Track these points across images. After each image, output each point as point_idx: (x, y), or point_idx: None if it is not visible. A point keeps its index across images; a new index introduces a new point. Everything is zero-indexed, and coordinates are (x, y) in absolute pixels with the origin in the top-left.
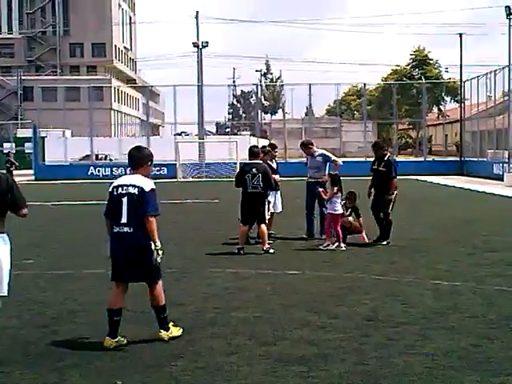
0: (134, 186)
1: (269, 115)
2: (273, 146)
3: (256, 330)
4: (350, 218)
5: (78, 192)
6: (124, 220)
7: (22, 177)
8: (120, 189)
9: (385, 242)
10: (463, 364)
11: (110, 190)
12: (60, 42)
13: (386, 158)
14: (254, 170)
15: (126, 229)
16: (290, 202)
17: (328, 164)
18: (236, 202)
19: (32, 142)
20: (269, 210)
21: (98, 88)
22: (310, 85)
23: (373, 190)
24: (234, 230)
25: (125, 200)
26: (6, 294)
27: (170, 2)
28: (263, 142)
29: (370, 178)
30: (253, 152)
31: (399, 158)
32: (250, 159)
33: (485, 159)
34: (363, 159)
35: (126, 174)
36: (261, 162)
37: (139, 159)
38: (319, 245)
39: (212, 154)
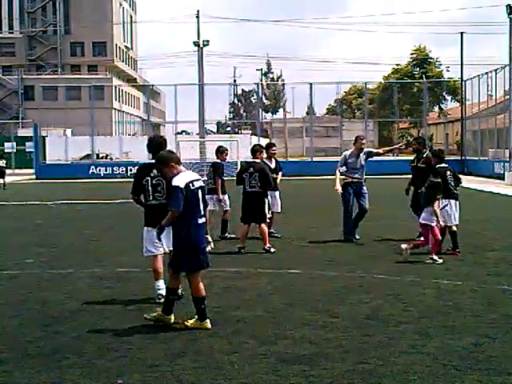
0: (199, 180)
1: (270, 114)
2: (269, 145)
3: (257, 329)
4: None
5: (79, 191)
6: (202, 211)
7: (23, 176)
8: (195, 183)
9: None
10: (464, 363)
11: (183, 185)
12: (61, 41)
13: (425, 155)
14: (251, 168)
15: (203, 219)
16: (291, 201)
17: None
18: (237, 201)
19: (33, 141)
20: (269, 210)
21: (99, 87)
22: (310, 84)
23: (411, 187)
24: (234, 228)
25: (200, 193)
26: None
27: (170, 1)
28: (264, 141)
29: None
30: (252, 150)
31: (400, 157)
32: (252, 158)
33: (486, 158)
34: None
35: (126, 172)
36: (259, 160)
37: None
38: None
39: (213, 153)
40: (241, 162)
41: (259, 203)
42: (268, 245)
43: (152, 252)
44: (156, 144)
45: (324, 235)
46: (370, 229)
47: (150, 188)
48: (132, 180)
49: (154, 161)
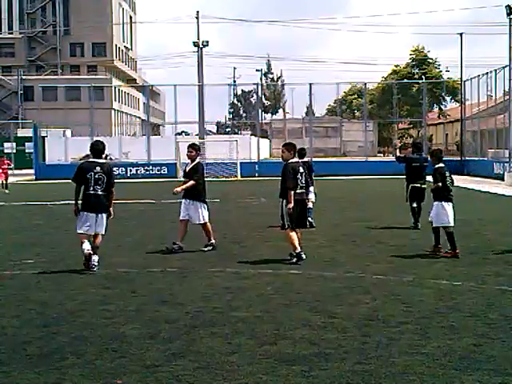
0: None
1: (269, 115)
2: (188, 145)
3: (256, 329)
4: None
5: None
6: None
7: (23, 176)
8: None
9: None
10: (464, 363)
11: None
12: (60, 42)
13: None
14: (301, 168)
15: None
16: None
17: None
18: (236, 201)
19: (32, 141)
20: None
21: (99, 87)
22: (310, 84)
23: None
24: (234, 229)
25: None
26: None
27: (170, 2)
28: (265, 142)
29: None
30: (299, 150)
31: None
32: (294, 158)
33: (485, 159)
34: (364, 159)
35: (125, 173)
36: (298, 160)
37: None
38: None
39: (212, 154)
40: (292, 163)
41: (306, 204)
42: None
43: (85, 232)
44: (98, 149)
45: (324, 236)
46: (368, 229)
47: (92, 181)
48: (76, 172)
49: (96, 160)
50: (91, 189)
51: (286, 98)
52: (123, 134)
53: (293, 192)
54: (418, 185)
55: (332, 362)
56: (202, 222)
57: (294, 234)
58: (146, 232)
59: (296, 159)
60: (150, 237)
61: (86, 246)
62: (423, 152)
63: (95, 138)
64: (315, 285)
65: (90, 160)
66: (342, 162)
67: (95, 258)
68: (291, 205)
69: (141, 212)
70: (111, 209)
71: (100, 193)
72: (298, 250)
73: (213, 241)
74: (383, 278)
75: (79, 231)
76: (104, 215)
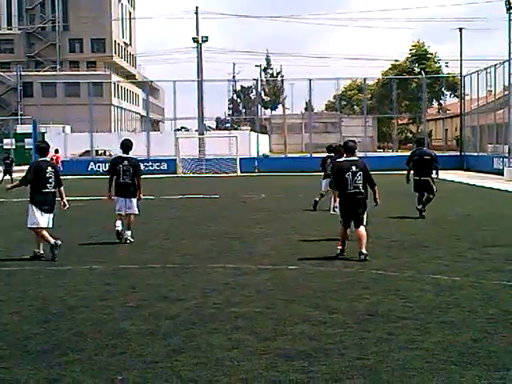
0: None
1: (269, 110)
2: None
3: (256, 325)
4: None
5: (78, 188)
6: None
7: (22, 173)
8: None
9: None
10: (463, 359)
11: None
12: (59, 38)
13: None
14: (353, 167)
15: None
16: (291, 198)
17: None
18: (236, 197)
19: (32, 137)
20: None
21: (98, 83)
22: (310, 80)
23: None
24: (234, 225)
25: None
26: None
27: None
28: (263, 138)
29: None
30: (351, 148)
31: (399, 153)
32: (346, 156)
33: (485, 154)
34: (363, 154)
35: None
36: (358, 158)
37: None
38: None
39: (212, 150)
40: (339, 161)
41: (364, 205)
42: (365, 250)
43: (118, 211)
44: (127, 146)
45: (324, 231)
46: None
47: (121, 172)
48: (110, 166)
49: (124, 155)
50: (121, 178)
51: (286, 93)
52: (123, 129)
53: (336, 192)
54: (417, 177)
55: (332, 357)
56: (27, 226)
57: (344, 232)
58: (146, 228)
59: (348, 158)
60: (149, 233)
61: (117, 224)
62: (424, 147)
63: (94, 134)
64: (315, 280)
65: (120, 155)
66: None
67: (128, 232)
68: (335, 203)
69: (140, 208)
70: (141, 195)
71: (128, 181)
72: (340, 247)
73: (56, 242)
74: (383, 273)
75: (116, 212)
76: (133, 199)
